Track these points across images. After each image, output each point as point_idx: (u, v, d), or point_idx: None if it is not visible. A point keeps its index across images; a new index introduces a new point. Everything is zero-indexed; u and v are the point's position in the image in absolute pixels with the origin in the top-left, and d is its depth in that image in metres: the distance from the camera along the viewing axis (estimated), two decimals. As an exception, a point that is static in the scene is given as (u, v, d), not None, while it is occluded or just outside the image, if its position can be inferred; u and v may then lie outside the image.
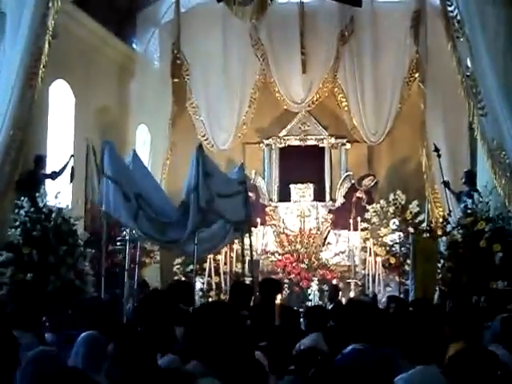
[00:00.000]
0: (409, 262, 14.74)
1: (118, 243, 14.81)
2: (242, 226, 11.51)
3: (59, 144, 14.34)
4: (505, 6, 11.07)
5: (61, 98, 14.58)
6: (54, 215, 11.88)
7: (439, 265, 11.71)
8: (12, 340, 3.97)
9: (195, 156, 10.47)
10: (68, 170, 13.48)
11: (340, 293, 13.88)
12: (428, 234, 13.97)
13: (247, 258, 16.24)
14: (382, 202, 17.02)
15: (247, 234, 12.13)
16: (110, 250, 14.67)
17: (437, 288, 11.46)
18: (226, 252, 15.20)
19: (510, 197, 10.97)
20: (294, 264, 16.48)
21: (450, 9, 12.12)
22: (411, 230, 16.03)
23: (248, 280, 15.66)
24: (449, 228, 12.13)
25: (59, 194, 12.16)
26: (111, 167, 10.10)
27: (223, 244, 12.57)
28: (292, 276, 15.92)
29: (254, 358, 4.15)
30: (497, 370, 3.93)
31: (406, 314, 7.28)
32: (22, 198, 11.82)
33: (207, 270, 15.13)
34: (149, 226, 10.27)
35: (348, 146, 17.95)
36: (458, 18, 11.83)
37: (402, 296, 13.92)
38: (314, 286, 15.68)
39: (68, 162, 13.48)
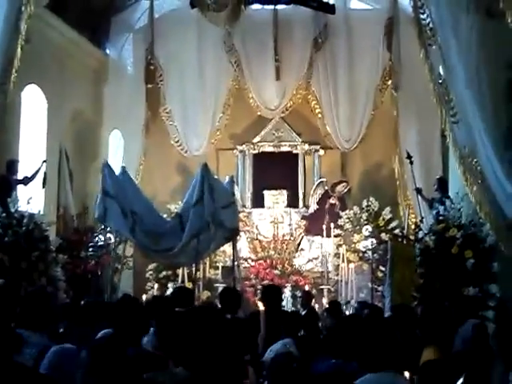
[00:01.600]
0: (382, 268, 14.85)
1: (91, 249, 14.76)
2: (233, 234, 12.40)
3: (31, 149, 14.22)
4: (477, 14, 11.14)
5: (33, 103, 14.47)
6: (25, 221, 11.80)
7: (412, 271, 11.77)
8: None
9: (200, 174, 11.41)
10: (40, 176, 13.40)
11: (313, 299, 13.89)
12: (404, 241, 14.07)
13: (220, 265, 16.31)
14: (355, 208, 17.08)
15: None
16: (82, 255, 14.64)
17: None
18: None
19: (482, 203, 11.04)
20: (267, 270, 16.51)
21: (422, 16, 12.19)
22: (385, 236, 16.10)
23: (221, 286, 15.73)
24: (421, 234, 12.19)
25: (31, 199, 12.07)
26: (111, 186, 11.27)
27: (209, 251, 13.17)
28: (265, 282, 15.89)
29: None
30: None
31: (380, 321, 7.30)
32: (-6, 204, 11.74)
33: (180, 276, 15.08)
34: (144, 238, 11.38)
35: (321, 152, 18.00)
36: (431, 25, 11.90)
37: (376, 302, 14.01)
38: (288, 292, 15.68)
39: (40, 168, 13.39)
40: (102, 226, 15.12)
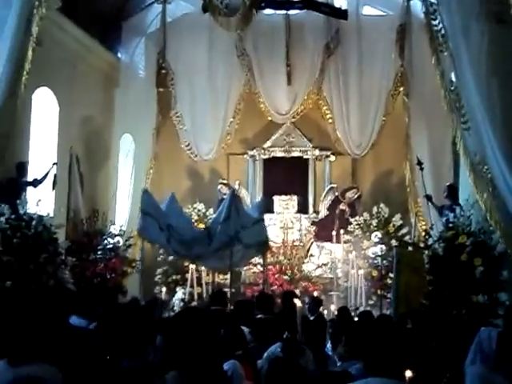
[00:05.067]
0: (391, 275, 14.77)
1: (100, 252, 14.77)
2: (261, 247, 14.12)
3: (42, 151, 14.24)
4: (488, 21, 11.09)
5: (45, 106, 14.50)
6: (34, 223, 11.79)
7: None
8: None
9: (229, 198, 13.56)
10: (50, 178, 13.42)
11: (321, 305, 13.84)
12: (412, 248, 14.01)
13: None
14: (365, 214, 17.05)
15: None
16: (91, 258, 14.65)
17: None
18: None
19: (492, 211, 10.96)
20: (276, 275, 16.46)
21: (434, 23, 12.15)
22: (394, 242, 16.06)
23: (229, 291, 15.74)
24: (430, 241, 12.13)
25: (40, 201, 12.07)
26: (150, 207, 13.36)
27: (243, 261, 14.92)
28: (274, 287, 15.86)
29: (221, 368, 4.10)
30: None
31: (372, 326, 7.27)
32: (3, 205, 11.72)
33: (189, 280, 15.06)
34: (179, 246, 13.56)
35: (332, 158, 17.99)
36: (443, 32, 11.86)
37: (384, 309, 13.98)
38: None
39: (50, 170, 13.41)
40: (111, 230, 15.25)
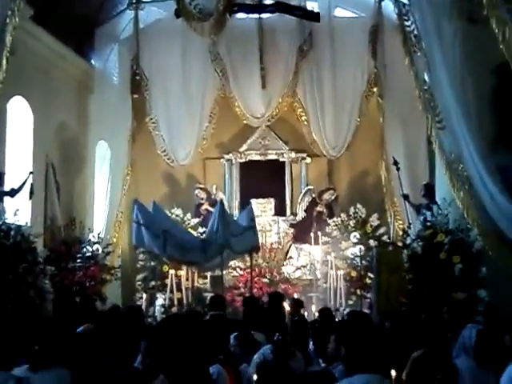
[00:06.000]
0: (370, 275, 14.84)
1: (78, 260, 14.70)
2: (250, 252, 14.87)
3: (18, 161, 14.17)
4: (461, 20, 11.20)
5: (19, 115, 14.42)
6: (12, 233, 11.74)
7: (401, 277, 11.78)
8: None
9: (218, 210, 14.26)
10: (27, 187, 13.35)
11: (303, 307, 13.87)
12: (391, 247, 14.09)
13: (209, 274, 16.33)
14: (342, 215, 17.09)
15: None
16: (70, 267, 14.58)
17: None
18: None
19: (469, 209, 11.06)
20: (255, 279, 16.46)
21: (407, 23, 12.30)
22: (372, 243, 16.12)
23: (209, 295, 15.76)
24: (409, 240, 12.21)
25: (18, 211, 12.02)
26: (142, 217, 13.71)
27: (228, 261, 15.56)
28: (254, 291, 15.86)
29: (207, 372, 4.14)
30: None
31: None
32: (-19, 216, 11.68)
33: (169, 285, 15.03)
34: (174, 251, 13.95)
35: (308, 160, 18.01)
36: (415, 32, 12.00)
37: (364, 309, 14.01)
38: (276, 300, 15.61)
39: (27, 179, 13.35)
40: (89, 238, 15.20)
